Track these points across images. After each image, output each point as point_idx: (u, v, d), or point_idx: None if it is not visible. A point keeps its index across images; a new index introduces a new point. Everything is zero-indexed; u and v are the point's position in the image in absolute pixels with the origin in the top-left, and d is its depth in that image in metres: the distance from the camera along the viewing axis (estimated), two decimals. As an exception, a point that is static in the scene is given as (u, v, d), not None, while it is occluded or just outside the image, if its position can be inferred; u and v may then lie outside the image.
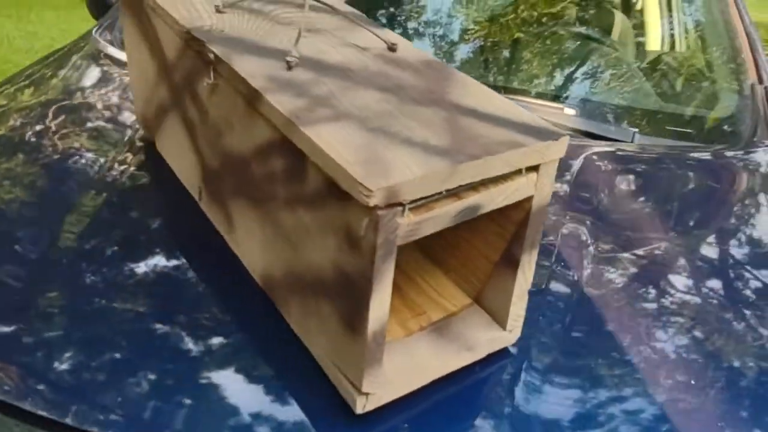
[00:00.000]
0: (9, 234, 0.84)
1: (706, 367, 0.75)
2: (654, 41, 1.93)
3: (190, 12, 0.81)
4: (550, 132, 0.62)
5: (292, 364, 0.71)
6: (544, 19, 1.75)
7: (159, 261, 0.82)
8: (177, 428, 0.63)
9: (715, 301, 0.85)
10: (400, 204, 0.55)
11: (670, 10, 1.87)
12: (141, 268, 0.80)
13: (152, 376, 0.67)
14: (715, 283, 0.89)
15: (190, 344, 0.71)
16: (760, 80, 1.48)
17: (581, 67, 1.56)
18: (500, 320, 0.73)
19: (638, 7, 2.11)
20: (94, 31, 1.50)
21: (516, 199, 0.63)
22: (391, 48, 0.76)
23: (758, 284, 0.90)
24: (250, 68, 0.69)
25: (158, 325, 0.73)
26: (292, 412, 0.66)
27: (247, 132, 0.71)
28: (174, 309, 0.75)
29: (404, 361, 0.68)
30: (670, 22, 1.84)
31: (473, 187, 0.60)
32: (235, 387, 0.67)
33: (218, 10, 0.81)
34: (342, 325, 0.63)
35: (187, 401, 0.65)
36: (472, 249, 0.74)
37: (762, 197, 1.15)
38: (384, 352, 0.67)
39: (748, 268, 0.94)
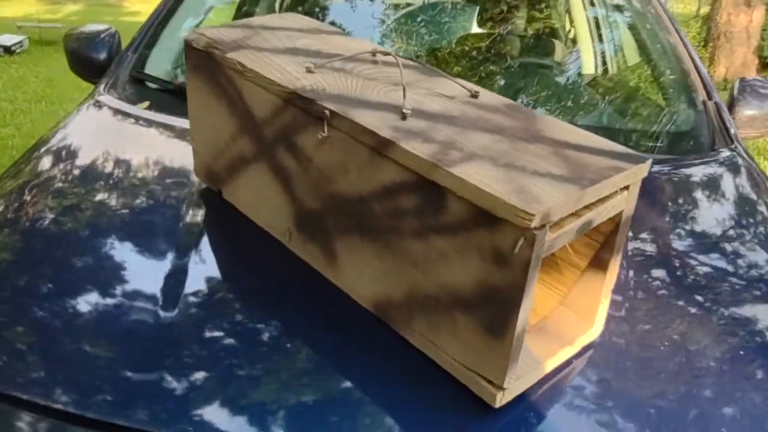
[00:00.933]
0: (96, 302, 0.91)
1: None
2: (592, 65, 2.15)
3: (284, 74, 0.91)
4: (638, 157, 0.76)
5: (418, 375, 0.82)
6: (492, 52, 1.93)
7: (248, 297, 0.91)
8: None
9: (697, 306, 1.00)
10: (548, 224, 0.67)
11: (613, 37, 2.10)
12: (235, 305, 0.89)
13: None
14: (695, 285, 1.04)
15: (323, 370, 0.81)
16: (709, 96, 1.69)
17: (534, 92, 1.73)
18: (589, 318, 0.86)
19: (571, 35, 2.34)
20: (101, 89, 1.54)
21: (613, 213, 0.77)
22: (474, 95, 0.89)
23: (732, 286, 1.06)
24: (369, 120, 0.80)
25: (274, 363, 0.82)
26: (434, 416, 0.76)
27: (366, 176, 0.81)
28: (282, 344, 0.85)
29: (526, 359, 0.80)
30: (631, 49, 2.05)
31: (588, 206, 0.73)
32: (364, 402, 0.77)
33: (309, 71, 0.92)
34: (482, 332, 0.74)
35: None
36: (559, 260, 0.87)
37: (731, 200, 1.34)
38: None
39: (727, 268, 1.09)
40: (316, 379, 0.80)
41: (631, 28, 2.11)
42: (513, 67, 1.88)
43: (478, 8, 2.21)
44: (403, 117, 0.81)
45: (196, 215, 1.08)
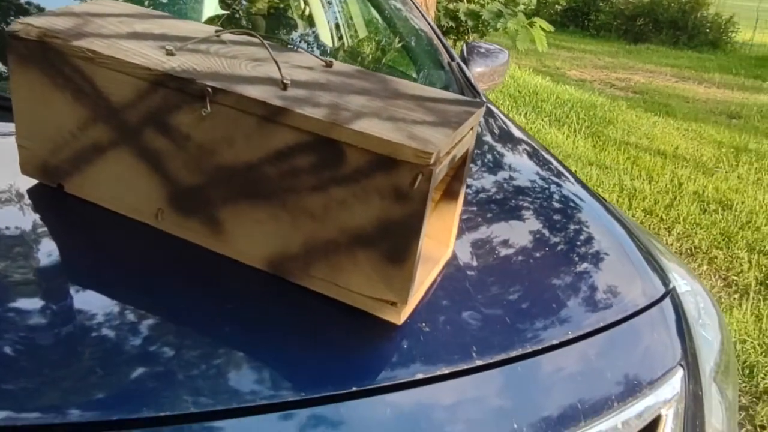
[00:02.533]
0: None
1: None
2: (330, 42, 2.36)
3: (146, 58, 0.94)
4: (478, 103, 0.96)
5: (321, 314, 0.93)
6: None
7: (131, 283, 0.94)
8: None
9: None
10: (438, 160, 0.83)
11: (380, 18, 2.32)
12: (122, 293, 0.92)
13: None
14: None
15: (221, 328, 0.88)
16: (452, 59, 2.00)
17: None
18: (445, 241, 1.05)
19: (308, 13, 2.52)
20: None
21: (468, 147, 0.95)
22: (329, 65, 1.01)
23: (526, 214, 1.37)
24: (256, 93, 0.88)
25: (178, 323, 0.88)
26: (345, 345, 0.89)
27: (256, 144, 0.90)
28: (190, 303, 0.90)
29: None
30: (372, 24, 2.28)
31: (454, 144, 0.91)
32: (277, 348, 0.87)
33: (170, 53, 0.95)
34: (384, 262, 0.88)
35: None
36: None
37: (498, 140, 1.64)
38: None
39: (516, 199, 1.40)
40: (225, 345, 0.86)
41: (368, 3, 2.35)
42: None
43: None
44: (284, 87, 0.91)
45: (34, 215, 1.04)
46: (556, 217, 1.33)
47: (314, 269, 0.93)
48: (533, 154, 1.60)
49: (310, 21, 2.55)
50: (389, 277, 0.89)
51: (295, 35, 2.28)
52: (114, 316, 0.87)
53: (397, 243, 0.87)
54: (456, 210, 1.03)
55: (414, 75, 2.00)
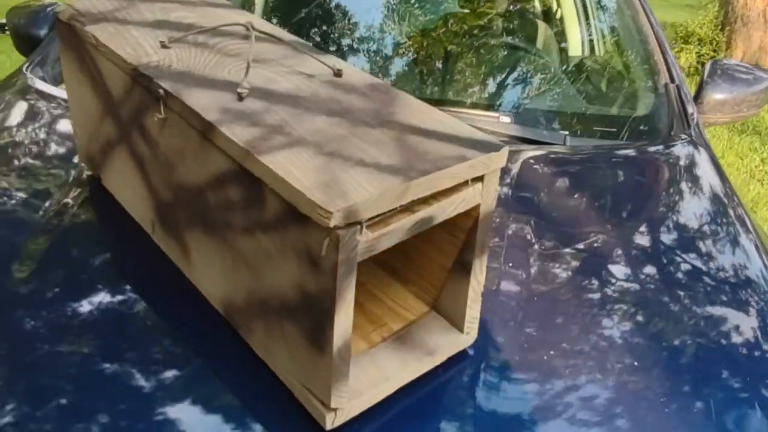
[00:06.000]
0: None
1: (649, 348, 0.81)
2: (575, 47, 2.03)
3: (136, 49, 0.82)
4: (491, 144, 0.67)
5: (258, 388, 0.73)
6: (474, 32, 1.81)
7: (108, 298, 0.82)
8: None
9: (651, 286, 0.92)
10: (358, 223, 0.58)
11: (587, 17, 1.97)
12: (90, 306, 0.81)
13: (104, 419, 0.67)
14: (649, 269, 0.95)
15: (144, 380, 0.72)
16: (672, 79, 1.58)
17: (511, 76, 1.63)
18: (457, 324, 0.77)
19: (558, 15, 2.21)
20: (24, 68, 1.48)
21: (465, 208, 0.67)
22: (337, 74, 0.80)
23: (688, 266, 0.97)
24: (202, 102, 0.71)
25: (109, 365, 0.73)
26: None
27: (200, 163, 0.73)
28: (127, 346, 0.75)
29: (370, 373, 0.71)
30: (589, 29, 1.93)
31: (424, 200, 0.64)
32: (195, 418, 0.69)
33: (164, 46, 0.83)
34: (307, 344, 0.66)
35: None
36: (427, 259, 0.78)
37: (684, 186, 1.23)
38: (350, 367, 0.70)
39: (678, 252, 1.01)
40: (149, 384, 0.71)
41: (598, 10, 1.99)
42: (491, 48, 1.76)
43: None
44: (240, 98, 0.72)
45: (70, 204, 1.00)
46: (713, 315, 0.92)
47: (256, 328, 0.74)
48: (722, 220, 1.16)
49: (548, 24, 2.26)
50: (313, 365, 0.66)
51: (535, 38, 2.02)
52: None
53: (315, 323, 0.63)
54: (470, 287, 0.74)
55: (607, 92, 1.62)
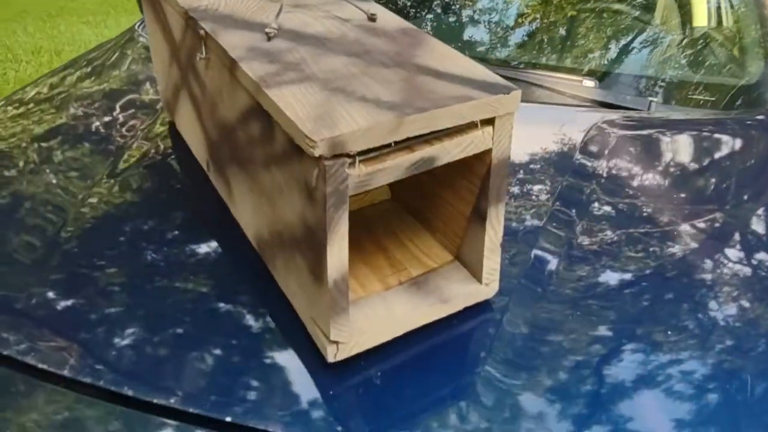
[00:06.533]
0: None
1: (686, 311, 0.76)
2: (700, 17, 1.88)
3: (190, -6, 0.87)
4: (501, 86, 0.65)
5: (279, 321, 0.76)
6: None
7: (165, 232, 0.88)
8: (166, 384, 0.69)
9: (727, 263, 0.85)
10: (348, 155, 0.58)
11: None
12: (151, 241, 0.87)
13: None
14: (729, 249, 0.89)
15: (185, 309, 0.77)
16: None
17: (603, 41, 1.54)
18: (477, 275, 0.76)
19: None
20: (137, 25, 1.59)
21: (473, 151, 0.66)
22: (371, 18, 0.80)
23: None
24: (233, 41, 0.74)
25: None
26: (273, 365, 0.71)
27: (232, 101, 0.76)
28: (172, 277, 0.81)
29: (379, 313, 0.72)
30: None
31: (427, 140, 0.63)
32: (220, 346, 0.73)
33: (217, -10, 0.87)
34: (311, 277, 0.67)
35: (180, 358, 0.71)
36: (450, 206, 0.77)
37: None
38: (359, 304, 0.72)
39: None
40: (181, 323, 0.76)
41: None
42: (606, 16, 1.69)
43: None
44: (268, 38, 0.74)
45: (146, 147, 1.07)
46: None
47: (278, 262, 0.77)
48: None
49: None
50: (316, 297, 0.68)
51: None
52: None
53: (315, 255, 0.65)
54: (486, 236, 0.72)
55: (717, 62, 1.50)
